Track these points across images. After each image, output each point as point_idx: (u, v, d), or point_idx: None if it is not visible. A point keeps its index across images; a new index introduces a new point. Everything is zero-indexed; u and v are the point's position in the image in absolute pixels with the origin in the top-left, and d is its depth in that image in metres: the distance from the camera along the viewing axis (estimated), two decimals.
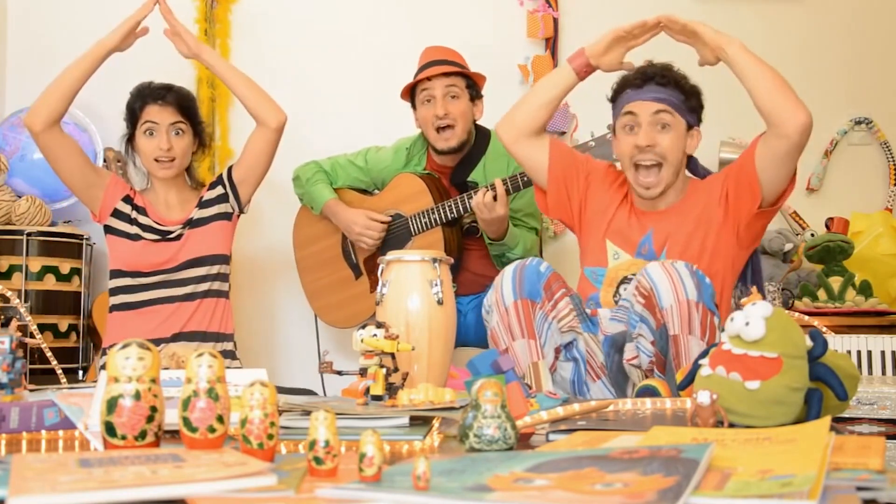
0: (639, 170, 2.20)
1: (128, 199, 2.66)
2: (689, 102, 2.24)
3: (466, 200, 2.77)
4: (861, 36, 3.59)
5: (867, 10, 3.60)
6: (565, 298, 2.13)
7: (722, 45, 2.15)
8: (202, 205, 2.68)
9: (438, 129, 2.84)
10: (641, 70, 2.25)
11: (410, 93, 2.93)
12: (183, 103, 2.66)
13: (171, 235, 2.63)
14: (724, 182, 2.22)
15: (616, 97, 2.27)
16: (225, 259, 2.69)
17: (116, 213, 2.64)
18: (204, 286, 2.63)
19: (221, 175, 2.73)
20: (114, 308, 2.63)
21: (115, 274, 2.63)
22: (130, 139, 2.68)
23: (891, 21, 3.61)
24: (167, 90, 2.65)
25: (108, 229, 2.64)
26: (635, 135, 2.19)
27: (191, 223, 2.66)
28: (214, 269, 2.65)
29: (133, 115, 2.65)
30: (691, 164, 2.34)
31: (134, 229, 2.62)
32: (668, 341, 1.92)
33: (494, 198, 2.64)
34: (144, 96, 2.64)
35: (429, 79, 2.83)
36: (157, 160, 2.60)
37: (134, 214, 2.64)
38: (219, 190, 2.70)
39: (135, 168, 2.80)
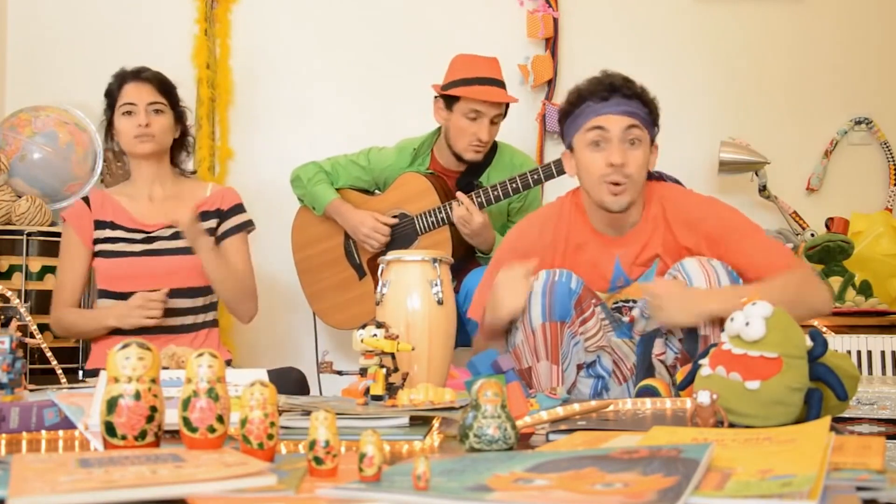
0: (608, 184, 2.04)
1: (100, 225, 2.51)
2: (652, 116, 2.09)
3: (474, 200, 2.78)
4: (861, 36, 3.59)
5: (867, 10, 3.60)
6: (595, 315, 2.03)
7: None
8: (202, 216, 2.50)
9: (472, 145, 2.85)
10: (602, 80, 2.07)
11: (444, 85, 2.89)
12: (162, 82, 2.54)
13: (156, 242, 2.48)
14: (696, 246, 2.05)
15: (573, 109, 2.09)
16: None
17: (97, 241, 2.50)
18: (200, 317, 2.52)
19: (222, 213, 2.56)
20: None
21: (102, 294, 2.50)
22: (110, 126, 2.54)
23: (890, 21, 3.60)
24: (145, 70, 2.55)
25: (95, 253, 2.51)
26: (604, 150, 2.02)
27: (180, 234, 2.44)
28: (210, 300, 2.54)
29: (111, 98, 2.53)
30: (654, 176, 2.23)
31: (118, 246, 2.48)
32: (698, 340, 1.90)
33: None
34: (121, 77, 2.53)
35: (485, 101, 2.81)
36: (135, 137, 2.47)
37: (109, 233, 2.49)
38: (214, 222, 2.55)
39: (114, 159, 2.63)
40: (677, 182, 2.34)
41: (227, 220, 2.56)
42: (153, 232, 2.50)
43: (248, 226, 2.60)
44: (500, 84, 2.87)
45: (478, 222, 2.70)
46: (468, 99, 2.81)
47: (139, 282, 2.44)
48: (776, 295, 1.79)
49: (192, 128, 2.68)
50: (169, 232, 2.50)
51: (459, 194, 2.74)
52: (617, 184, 2.02)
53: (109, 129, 2.55)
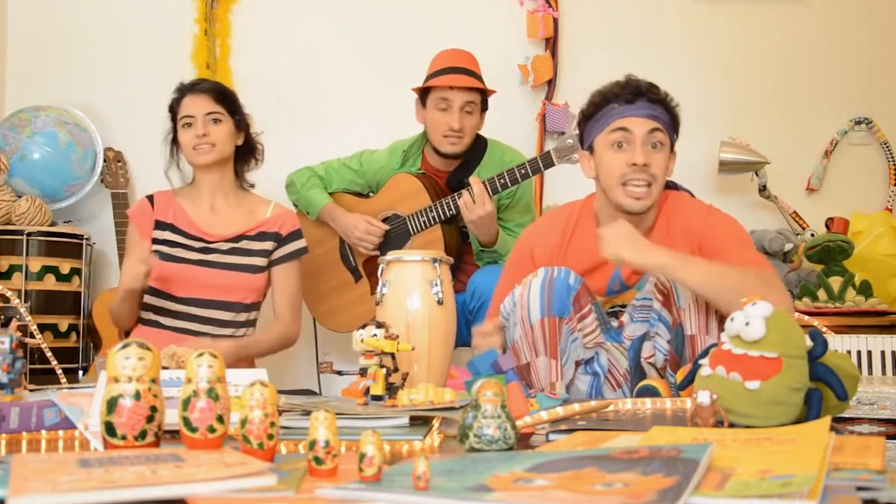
0: (628, 186, 2.05)
1: (160, 225, 2.55)
2: (675, 123, 2.11)
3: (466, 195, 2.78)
4: (861, 36, 3.59)
5: (867, 11, 3.60)
6: (592, 313, 2.03)
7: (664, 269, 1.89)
8: (260, 237, 2.58)
9: (446, 136, 2.84)
10: (629, 84, 2.08)
11: (424, 88, 2.91)
12: (219, 92, 2.59)
13: (213, 254, 2.53)
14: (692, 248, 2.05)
15: (596, 111, 2.11)
16: (258, 306, 2.62)
17: (155, 241, 2.54)
18: (241, 331, 2.56)
19: (280, 238, 2.61)
20: (141, 322, 2.54)
21: (149, 291, 2.52)
22: (175, 140, 2.61)
23: (890, 21, 3.61)
24: (202, 80, 2.61)
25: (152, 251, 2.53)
26: (626, 152, 2.04)
27: (237, 251, 2.54)
28: (250, 317, 2.59)
29: (173, 113, 2.59)
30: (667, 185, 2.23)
31: (176, 251, 2.52)
32: (685, 341, 1.90)
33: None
34: (181, 90, 2.59)
35: (450, 87, 2.82)
36: (194, 148, 2.52)
37: (168, 235, 2.54)
38: (271, 245, 2.60)
39: (178, 170, 2.66)
40: (689, 192, 2.32)
41: (283, 245, 2.62)
42: (212, 244, 2.54)
43: (302, 252, 2.67)
44: (467, 72, 2.85)
45: (486, 210, 2.68)
46: (436, 90, 2.84)
47: (189, 289, 2.51)
48: (731, 276, 1.83)
49: (259, 135, 2.69)
50: (227, 246, 2.55)
51: (473, 179, 2.71)
52: (638, 185, 2.04)
53: (174, 143, 2.60)
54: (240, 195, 2.65)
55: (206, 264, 2.52)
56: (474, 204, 2.67)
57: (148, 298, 2.52)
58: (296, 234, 2.64)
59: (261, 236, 2.59)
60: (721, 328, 1.88)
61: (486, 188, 2.71)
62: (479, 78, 2.87)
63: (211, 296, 2.52)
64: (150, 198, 2.62)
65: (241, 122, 2.62)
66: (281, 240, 2.61)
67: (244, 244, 2.57)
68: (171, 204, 2.59)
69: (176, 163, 2.63)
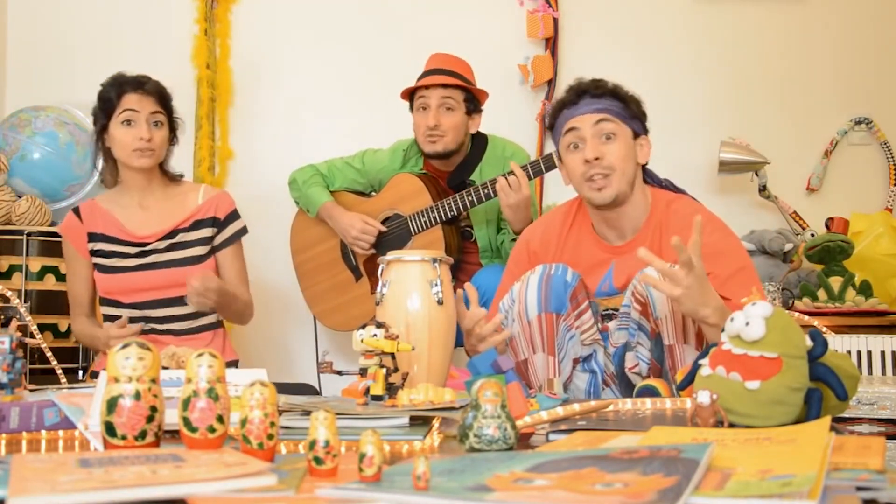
0: (589, 182, 2.06)
1: (93, 237, 2.52)
2: (630, 109, 2.10)
3: (465, 198, 2.78)
4: (861, 36, 3.59)
5: (867, 11, 3.60)
6: (589, 310, 2.04)
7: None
8: (196, 226, 2.52)
9: (426, 135, 2.86)
10: (573, 87, 2.12)
11: (410, 96, 2.95)
12: (163, 94, 2.50)
13: (151, 255, 2.48)
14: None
15: (554, 122, 2.14)
16: None
17: (94, 253, 2.52)
18: (203, 320, 2.53)
19: (218, 222, 2.55)
20: None
21: (102, 301, 2.54)
22: (102, 131, 2.48)
23: (890, 21, 3.61)
24: (147, 80, 2.49)
25: (94, 265, 2.54)
26: (581, 150, 2.07)
27: (175, 246, 2.49)
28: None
29: (108, 104, 2.45)
30: (646, 174, 2.22)
31: (112, 261, 2.49)
32: (664, 350, 1.90)
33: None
34: (122, 84, 2.46)
35: (426, 87, 2.84)
36: (135, 150, 2.42)
37: (102, 246, 2.51)
38: (210, 231, 2.53)
39: (103, 165, 2.56)
40: (683, 192, 2.30)
41: (223, 229, 2.56)
42: (148, 245, 2.50)
43: (243, 233, 2.60)
44: (444, 72, 2.87)
45: (525, 194, 2.66)
46: (416, 93, 2.88)
47: (136, 295, 2.48)
48: None
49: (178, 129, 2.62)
50: (164, 244, 2.50)
51: (513, 164, 2.70)
52: (596, 178, 2.06)
53: (102, 134, 2.50)
54: (167, 187, 2.57)
55: (146, 267, 2.48)
56: (510, 189, 2.66)
57: (102, 309, 2.54)
58: (233, 216, 2.57)
59: (196, 225, 2.52)
60: (699, 337, 1.88)
61: (480, 193, 2.74)
62: (458, 76, 2.87)
63: (162, 296, 2.48)
64: (76, 210, 2.56)
65: (175, 125, 2.55)
66: (220, 224, 2.55)
67: (180, 237, 2.51)
68: (96, 212, 2.53)
69: (104, 157, 2.53)
